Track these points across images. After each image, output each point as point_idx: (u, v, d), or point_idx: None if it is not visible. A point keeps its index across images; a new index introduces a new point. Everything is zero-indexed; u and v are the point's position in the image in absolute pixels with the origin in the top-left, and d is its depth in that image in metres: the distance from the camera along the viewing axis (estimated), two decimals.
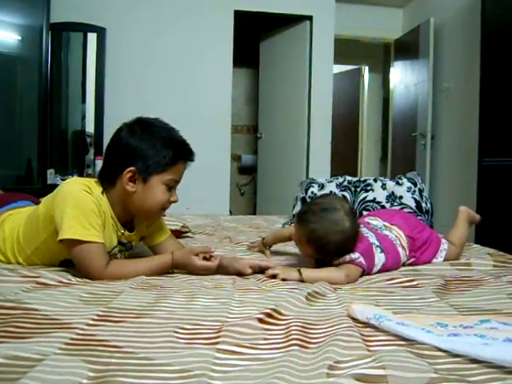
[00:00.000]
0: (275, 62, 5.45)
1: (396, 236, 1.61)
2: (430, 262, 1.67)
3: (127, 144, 1.37)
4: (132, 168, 1.36)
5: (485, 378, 0.70)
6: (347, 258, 1.43)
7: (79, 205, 1.29)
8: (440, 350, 0.79)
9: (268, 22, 5.38)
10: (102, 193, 1.38)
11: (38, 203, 1.51)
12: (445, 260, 1.68)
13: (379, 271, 1.51)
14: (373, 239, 1.53)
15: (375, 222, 1.68)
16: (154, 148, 1.36)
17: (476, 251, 1.87)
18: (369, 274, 1.49)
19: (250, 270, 1.44)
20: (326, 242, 1.40)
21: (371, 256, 1.48)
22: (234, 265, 1.47)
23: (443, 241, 1.74)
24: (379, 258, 1.50)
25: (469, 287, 1.29)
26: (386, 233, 1.61)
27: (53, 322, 0.90)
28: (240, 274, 1.44)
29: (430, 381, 0.68)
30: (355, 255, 1.42)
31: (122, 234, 1.45)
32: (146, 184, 1.37)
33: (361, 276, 1.46)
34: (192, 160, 1.46)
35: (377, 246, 1.51)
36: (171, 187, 1.41)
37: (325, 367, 0.74)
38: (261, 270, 1.46)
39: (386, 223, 1.68)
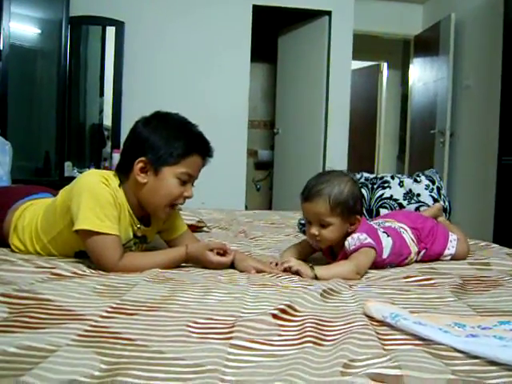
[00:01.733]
0: (293, 57, 5.42)
1: (399, 227, 1.63)
2: (442, 252, 1.66)
3: (140, 135, 1.38)
4: (143, 158, 1.35)
5: (503, 382, 0.68)
6: (357, 241, 1.43)
7: (96, 196, 1.29)
8: (457, 350, 0.77)
9: (286, 16, 5.35)
10: (119, 186, 1.39)
11: (56, 195, 1.52)
12: (457, 251, 1.67)
13: (390, 258, 1.52)
14: (376, 227, 1.58)
15: (374, 221, 1.72)
16: (167, 139, 1.35)
17: (495, 251, 1.84)
18: (382, 262, 1.50)
19: (253, 271, 1.41)
20: (346, 194, 1.42)
21: (377, 236, 1.49)
22: (240, 265, 1.44)
23: (450, 232, 1.73)
24: (387, 242, 1.51)
25: (488, 287, 1.27)
26: (388, 224, 1.65)
27: (66, 313, 0.90)
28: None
29: (447, 382, 0.66)
30: (362, 236, 1.43)
31: (138, 228, 1.45)
32: (157, 176, 1.36)
33: (376, 268, 1.47)
34: (209, 155, 1.43)
35: (383, 232, 1.54)
36: (185, 181, 1.38)
37: (339, 365, 0.73)
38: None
39: (386, 219, 1.73)
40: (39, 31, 4.03)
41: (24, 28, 3.83)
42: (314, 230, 1.46)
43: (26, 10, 3.79)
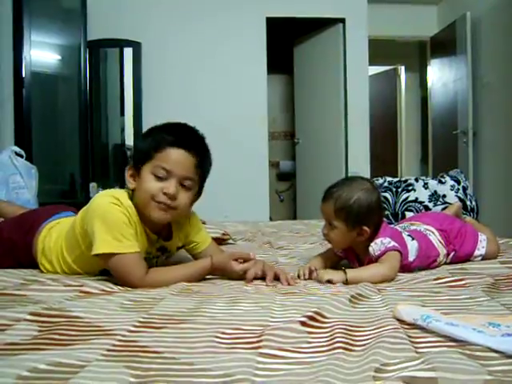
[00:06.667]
0: (309, 66, 5.43)
1: (426, 229, 1.60)
2: (472, 253, 1.62)
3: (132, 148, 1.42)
4: (129, 165, 1.39)
5: None
6: (381, 246, 1.41)
7: (109, 218, 1.30)
8: (493, 350, 0.75)
9: (301, 26, 5.37)
10: (133, 201, 1.39)
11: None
12: (487, 252, 1.63)
13: (417, 261, 1.49)
14: (400, 230, 1.56)
15: (400, 225, 1.70)
16: (144, 140, 1.39)
17: None
18: (409, 266, 1.47)
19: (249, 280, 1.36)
20: (351, 202, 1.41)
21: (401, 240, 1.47)
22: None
23: (480, 232, 1.68)
24: (412, 245, 1.49)
25: None
26: (414, 227, 1.62)
27: (95, 329, 0.90)
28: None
29: (484, 383, 0.64)
30: (386, 240, 1.42)
31: (157, 242, 1.45)
32: (139, 177, 1.36)
33: (404, 271, 1.45)
34: (184, 146, 1.34)
35: (407, 235, 1.51)
36: (162, 177, 1.32)
37: (371, 370, 0.71)
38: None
39: (412, 222, 1.70)
40: (59, 57, 4.11)
41: (44, 55, 3.91)
42: (324, 230, 1.50)
43: (46, 38, 3.88)
